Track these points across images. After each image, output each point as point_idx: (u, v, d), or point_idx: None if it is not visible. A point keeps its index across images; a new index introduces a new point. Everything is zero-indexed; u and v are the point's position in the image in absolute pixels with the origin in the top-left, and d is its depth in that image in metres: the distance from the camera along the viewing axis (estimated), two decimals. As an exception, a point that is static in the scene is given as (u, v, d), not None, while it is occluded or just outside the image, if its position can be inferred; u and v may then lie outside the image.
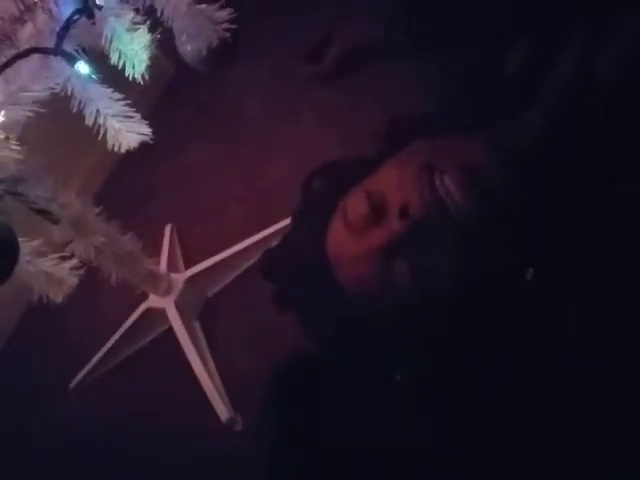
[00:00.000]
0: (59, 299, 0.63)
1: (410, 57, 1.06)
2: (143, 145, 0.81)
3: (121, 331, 1.27)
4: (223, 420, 1.06)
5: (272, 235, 1.23)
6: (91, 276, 1.11)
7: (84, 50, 0.74)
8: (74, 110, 0.77)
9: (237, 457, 1.01)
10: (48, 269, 0.63)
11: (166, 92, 1.77)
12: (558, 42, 0.71)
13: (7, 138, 0.69)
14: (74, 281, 0.64)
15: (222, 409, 1.05)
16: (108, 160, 1.64)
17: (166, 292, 1.22)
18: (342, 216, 0.63)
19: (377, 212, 0.59)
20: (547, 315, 0.57)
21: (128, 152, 0.81)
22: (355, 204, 0.61)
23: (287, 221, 1.24)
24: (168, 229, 1.45)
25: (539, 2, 0.70)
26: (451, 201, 0.56)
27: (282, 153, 1.42)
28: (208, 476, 1.04)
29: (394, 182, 0.60)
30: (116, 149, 0.78)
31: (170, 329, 1.22)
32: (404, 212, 0.55)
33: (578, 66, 0.69)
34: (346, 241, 0.62)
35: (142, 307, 1.25)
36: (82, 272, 0.65)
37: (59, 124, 1.16)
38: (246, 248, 1.26)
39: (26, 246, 0.67)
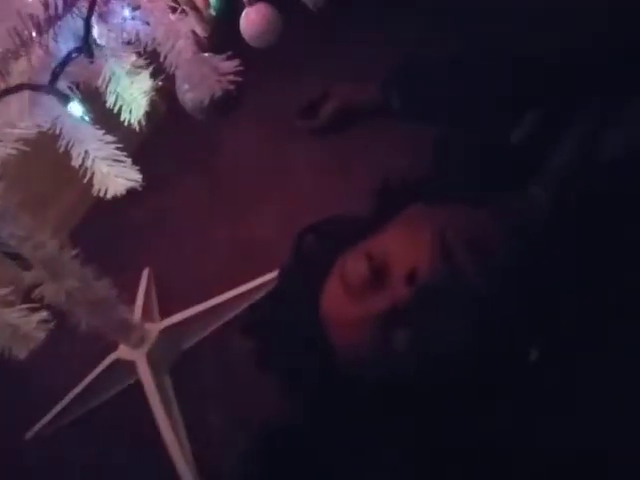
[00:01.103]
0: (23, 355, 0.57)
1: (409, 119, 1.06)
2: (126, 186, 0.76)
3: (86, 382, 1.18)
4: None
5: (256, 288, 1.18)
6: (58, 321, 1.05)
7: (77, 87, 0.71)
8: (61, 150, 0.72)
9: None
10: (14, 321, 0.57)
11: (155, 130, 1.73)
12: (567, 118, 0.71)
13: (-15, 174, 0.64)
14: (41, 336, 0.58)
15: (187, 476, 0.97)
16: (87, 198, 1.57)
17: (138, 343, 1.15)
18: (340, 277, 0.61)
19: (378, 276, 0.56)
20: (544, 403, 0.54)
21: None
22: (355, 265, 0.60)
23: (272, 275, 1.19)
24: (145, 274, 1.39)
25: (554, 76, 0.70)
26: (461, 273, 0.53)
27: (271, 205, 1.39)
28: None
29: (400, 246, 0.59)
30: (101, 194, 0.73)
31: (139, 382, 1.14)
32: (411, 278, 0.53)
33: (585, 144, 0.69)
34: (343, 303, 0.60)
35: (110, 357, 1.17)
36: (51, 326, 0.59)
37: (40, 160, 1.11)
38: (227, 300, 1.21)
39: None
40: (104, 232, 1.54)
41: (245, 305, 1.18)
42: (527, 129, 0.76)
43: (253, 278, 1.21)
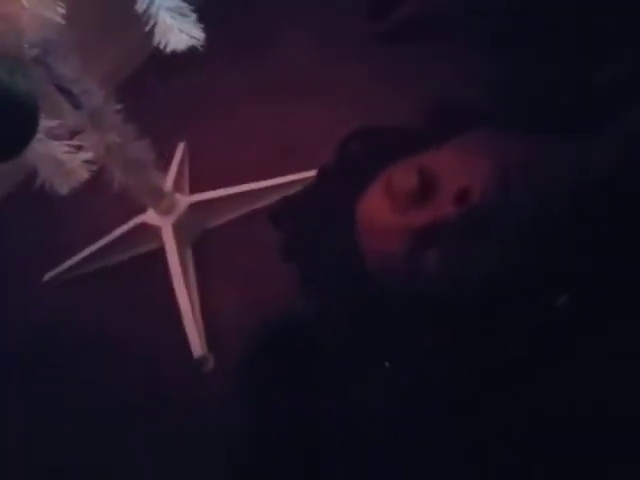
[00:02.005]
0: (64, 191, 0.57)
1: (485, 44, 0.99)
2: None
3: (111, 237, 1.21)
4: (195, 356, 1.02)
5: (290, 184, 1.17)
6: (93, 174, 1.05)
7: None
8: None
9: (199, 399, 0.98)
10: (60, 155, 0.56)
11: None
12: None
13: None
14: (84, 175, 0.57)
15: (196, 344, 1.01)
16: (140, 54, 1.51)
17: (166, 211, 1.16)
18: (385, 186, 0.59)
19: (426, 191, 0.53)
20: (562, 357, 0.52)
21: (172, 53, 0.74)
22: (404, 176, 0.57)
23: (310, 174, 1.17)
24: (181, 147, 1.37)
25: None
26: (515, 207, 0.51)
27: (321, 103, 1.34)
28: (164, 410, 1.00)
29: (456, 166, 0.55)
30: (161, 46, 0.71)
31: (161, 249, 1.16)
32: (461, 198, 0.51)
33: None
34: (383, 211, 0.57)
35: (138, 219, 1.19)
36: (95, 168, 0.59)
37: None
38: (259, 189, 1.20)
39: (41, 124, 0.60)
40: (149, 97, 1.51)
41: (277, 197, 1.17)
42: (616, 72, 0.70)
43: (290, 173, 1.19)
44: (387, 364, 0.59)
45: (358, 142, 0.75)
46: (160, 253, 1.16)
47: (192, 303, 1.06)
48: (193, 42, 0.72)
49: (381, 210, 0.58)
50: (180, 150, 1.36)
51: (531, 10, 0.87)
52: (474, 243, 0.52)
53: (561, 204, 0.54)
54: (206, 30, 0.73)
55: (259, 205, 1.21)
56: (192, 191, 1.28)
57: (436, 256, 0.53)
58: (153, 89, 1.52)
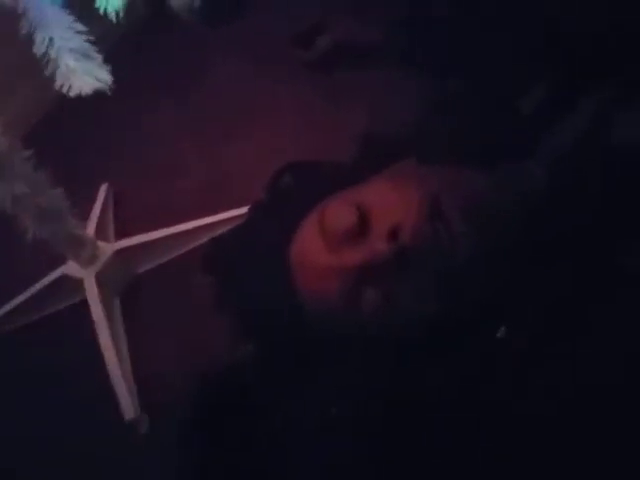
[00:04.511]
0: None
1: (408, 68, 0.99)
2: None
3: (29, 292, 1.11)
4: (126, 419, 0.94)
5: (223, 222, 1.11)
6: (6, 224, 0.96)
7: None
8: (23, 32, 0.63)
9: (132, 464, 0.90)
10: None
11: (133, 35, 1.58)
12: (580, 96, 0.67)
13: None
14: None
15: (128, 405, 0.93)
16: (48, 96, 1.41)
17: (89, 261, 1.08)
18: (318, 223, 0.56)
19: (360, 228, 0.52)
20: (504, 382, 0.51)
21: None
22: (339, 214, 0.54)
23: (242, 211, 1.12)
24: (104, 189, 1.29)
25: (575, 49, 0.65)
26: (448, 237, 0.51)
27: (252, 139, 1.30)
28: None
29: (386, 201, 0.54)
30: (64, 91, 0.64)
31: (86, 301, 1.08)
32: (393, 235, 0.50)
33: (593, 126, 0.65)
34: (317, 250, 0.55)
35: (58, 271, 1.10)
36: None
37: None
38: (190, 230, 1.14)
39: None
40: (62, 139, 1.42)
41: (209, 237, 1.12)
42: (539, 100, 0.71)
43: (222, 211, 1.14)
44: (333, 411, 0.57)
45: (289, 177, 0.72)
46: (86, 306, 1.08)
47: (121, 361, 0.98)
48: (99, 85, 0.66)
49: (315, 249, 0.56)
50: (103, 192, 1.28)
51: (458, 38, 0.87)
52: (410, 279, 0.51)
53: (495, 230, 0.53)
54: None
55: (191, 246, 1.15)
56: (117, 236, 1.20)
57: (374, 295, 0.52)
58: (72, 129, 1.43)
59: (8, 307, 1.11)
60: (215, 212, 1.15)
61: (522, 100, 0.71)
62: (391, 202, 0.53)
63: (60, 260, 1.11)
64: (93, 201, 1.25)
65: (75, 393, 0.99)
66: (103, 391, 0.96)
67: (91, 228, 1.15)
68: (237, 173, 1.24)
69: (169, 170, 1.33)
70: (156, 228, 1.16)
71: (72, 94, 0.65)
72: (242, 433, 0.60)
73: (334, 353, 0.56)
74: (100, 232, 1.17)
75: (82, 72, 0.65)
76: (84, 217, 1.14)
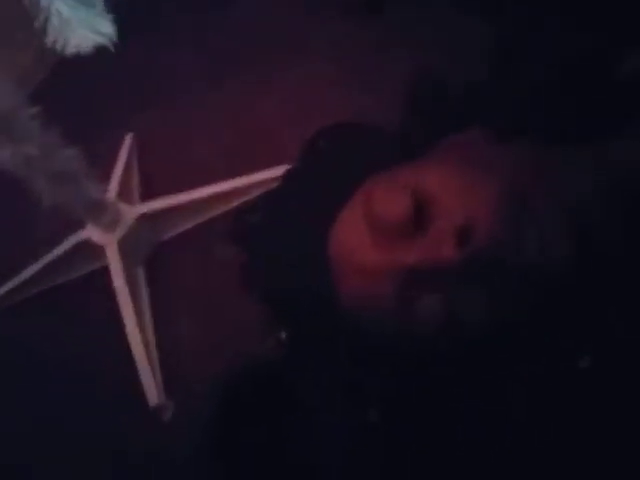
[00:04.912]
0: None
1: (471, 8, 0.84)
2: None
3: (47, 259, 1.04)
4: (151, 405, 0.88)
5: (252, 186, 1.01)
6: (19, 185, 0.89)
7: None
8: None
9: (157, 451, 0.85)
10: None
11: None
12: None
13: None
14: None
15: (152, 390, 0.87)
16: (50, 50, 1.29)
17: (110, 227, 1.00)
18: (364, 208, 0.48)
19: (417, 220, 0.44)
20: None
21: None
22: (392, 200, 0.46)
23: (271, 172, 1.02)
24: (128, 143, 1.19)
25: None
26: (535, 243, 0.43)
27: (281, 90, 1.16)
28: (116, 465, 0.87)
29: (453, 189, 0.45)
30: (57, 48, 0.53)
31: (106, 270, 1.01)
32: (464, 237, 0.42)
33: None
34: (364, 245, 0.47)
35: (77, 236, 1.02)
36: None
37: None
38: (219, 193, 1.04)
39: None
40: (77, 93, 1.31)
41: (238, 202, 1.02)
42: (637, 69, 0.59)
43: (250, 173, 1.03)
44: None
45: (326, 143, 0.64)
46: (105, 275, 1.01)
47: (144, 334, 0.91)
48: (101, 40, 0.54)
49: (361, 243, 0.48)
50: (127, 146, 1.18)
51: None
52: (482, 289, 0.44)
53: (599, 235, 0.45)
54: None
55: (219, 211, 1.06)
56: (142, 198, 1.11)
57: (431, 304, 0.45)
58: (85, 79, 1.31)
59: (22, 277, 1.05)
60: (246, 172, 1.04)
61: (619, 68, 0.59)
62: (459, 191, 0.44)
63: (78, 224, 1.03)
64: (115, 156, 1.16)
65: (92, 373, 0.94)
66: (124, 373, 0.90)
67: (113, 189, 1.06)
68: (266, 132, 1.12)
69: (193, 127, 1.21)
70: (182, 188, 1.06)
71: (68, 53, 0.54)
72: (272, 432, 0.57)
73: (377, 356, 0.50)
74: (123, 193, 1.08)
75: (79, 23, 0.53)
76: (106, 173, 1.05)
